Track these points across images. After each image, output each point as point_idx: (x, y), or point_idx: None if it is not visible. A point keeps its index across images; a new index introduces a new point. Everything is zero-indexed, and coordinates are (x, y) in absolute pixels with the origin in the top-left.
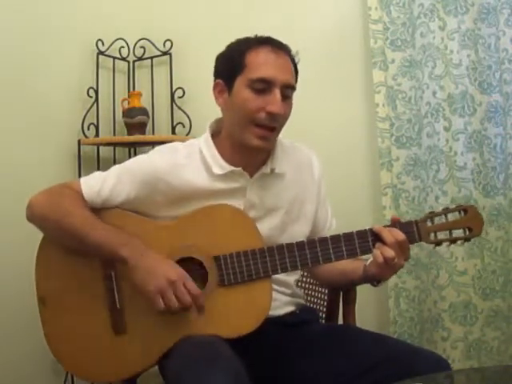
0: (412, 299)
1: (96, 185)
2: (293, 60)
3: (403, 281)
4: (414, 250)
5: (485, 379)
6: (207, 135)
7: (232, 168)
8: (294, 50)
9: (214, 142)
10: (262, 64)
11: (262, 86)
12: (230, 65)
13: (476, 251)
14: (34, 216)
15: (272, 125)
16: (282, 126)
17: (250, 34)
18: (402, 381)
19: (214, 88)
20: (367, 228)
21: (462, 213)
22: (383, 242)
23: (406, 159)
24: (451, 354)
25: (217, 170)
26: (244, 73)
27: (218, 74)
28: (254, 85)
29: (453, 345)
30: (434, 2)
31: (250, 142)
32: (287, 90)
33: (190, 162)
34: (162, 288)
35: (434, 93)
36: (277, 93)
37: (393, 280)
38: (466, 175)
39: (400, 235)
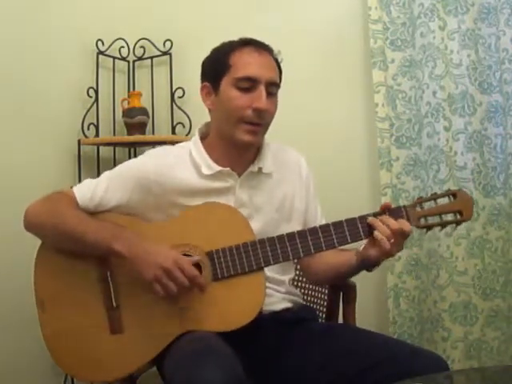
0: (412, 299)
1: (88, 191)
2: (276, 59)
3: (403, 281)
4: (414, 249)
5: (485, 379)
6: (196, 138)
7: (220, 168)
8: (277, 50)
9: (203, 144)
10: (246, 63)
11: (248, 85)
12: (216, 66)
13: (476, 251)
14: (31, 224)
15: (259, 121)
16: (268, 123)
17: (250, 34)
18: (402, 381)
19: (201, 91)
20: (356, 216)
21: (452, 197)
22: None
23: (405, 159)
24: (451, 354)
25: (205, 171)
26: (229, 73)
27: (204, 76)
28: (239, 83)
29: (453, 345)
30: (435, 1)
31: (240, 137)
32: (272, 87)
33: (180, 163)
34: (158, 276)
35: (434, 93)
36: (262, 90)
37: (393, 280)
38: (466, 175)
39: (394, 224)
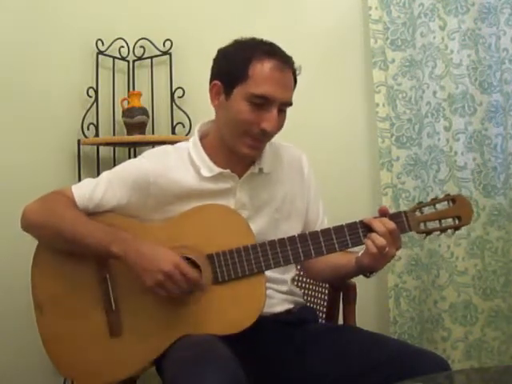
0: (412, 299)
1: (87, 191)
2: (294, 73)
3: (403, 281)
4: (414, 249)
5: (485, 379)
6: (196, 138)
7: (220, 170)
8: (297, 64)
9: (203, 144)
10: (265, 80)
11: (261, 102)
12: (232, 70)
13: (476, 251)
14: (29, 225)
15: (263, 139)
16: (272, 138)
17: (250, 34)
18: (402, 381)
19: (211, 89)
20: (357, 220)
21: (451, 202)
22: (374, 232)
23: (406, 159)
24: (451, 354)
25: (205, 173)
26: (246, 84)
27: (217, 74)
28: (253, 99)
29: (453, 345)
30: (435, 1)
31: (240, 150)
32: (284, 106)
33: (179, 164)
34: (159, 282)
35: (435, 93)
36: (274, 111)
37: (393, 280)
38: (466, 175)
39: (390, 224)
